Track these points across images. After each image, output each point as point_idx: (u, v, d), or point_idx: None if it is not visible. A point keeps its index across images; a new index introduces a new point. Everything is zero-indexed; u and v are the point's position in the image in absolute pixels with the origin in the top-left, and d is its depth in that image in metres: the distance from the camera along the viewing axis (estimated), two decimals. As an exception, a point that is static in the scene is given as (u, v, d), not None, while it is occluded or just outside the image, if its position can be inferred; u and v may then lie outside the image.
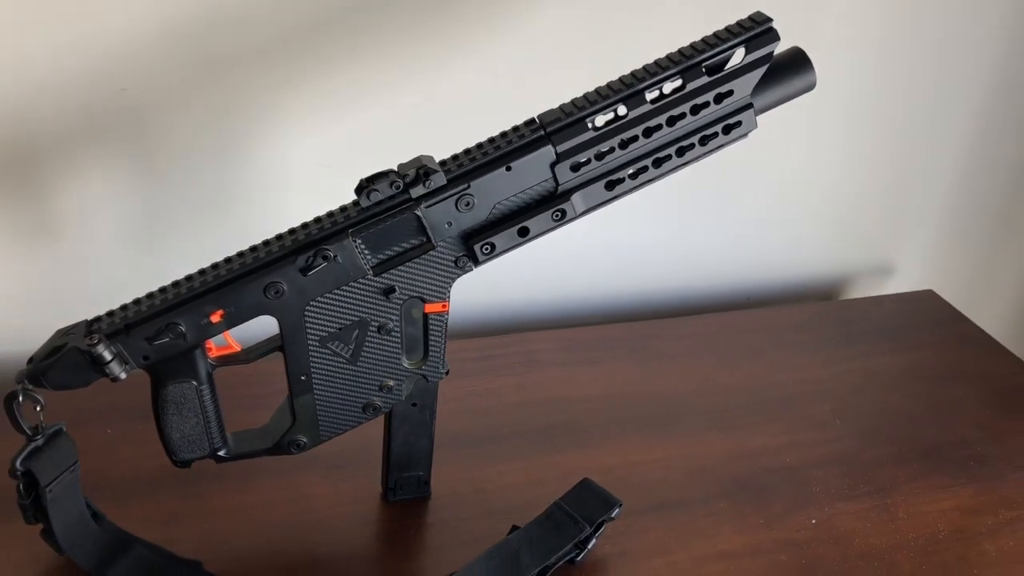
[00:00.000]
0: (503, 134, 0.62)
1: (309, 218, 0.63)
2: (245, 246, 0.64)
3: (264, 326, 0.64)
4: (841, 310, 1.12)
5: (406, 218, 0.61)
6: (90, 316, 0.61)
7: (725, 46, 0.62)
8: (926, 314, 1.11)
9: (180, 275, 0.63)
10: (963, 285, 1.27)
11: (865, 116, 1.08)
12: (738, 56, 0.63)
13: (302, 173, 0.88)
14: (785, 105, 1.00)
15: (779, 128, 1.04)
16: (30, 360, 0.60)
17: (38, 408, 0.61)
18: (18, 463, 0.61)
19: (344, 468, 0.78)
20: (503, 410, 0.87)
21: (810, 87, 0.66)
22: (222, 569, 0.68)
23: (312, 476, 0.77)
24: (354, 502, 0.75)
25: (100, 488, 0.71)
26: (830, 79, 1.01)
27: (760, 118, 0.65)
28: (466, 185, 0.61)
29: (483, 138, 0.63)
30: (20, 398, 0.60)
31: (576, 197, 0.63)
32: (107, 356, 0.59)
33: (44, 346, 0.60)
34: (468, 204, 0.62)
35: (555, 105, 0.63)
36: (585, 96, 0.62)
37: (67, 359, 0.59)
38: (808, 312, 1.11)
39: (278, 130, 0.86)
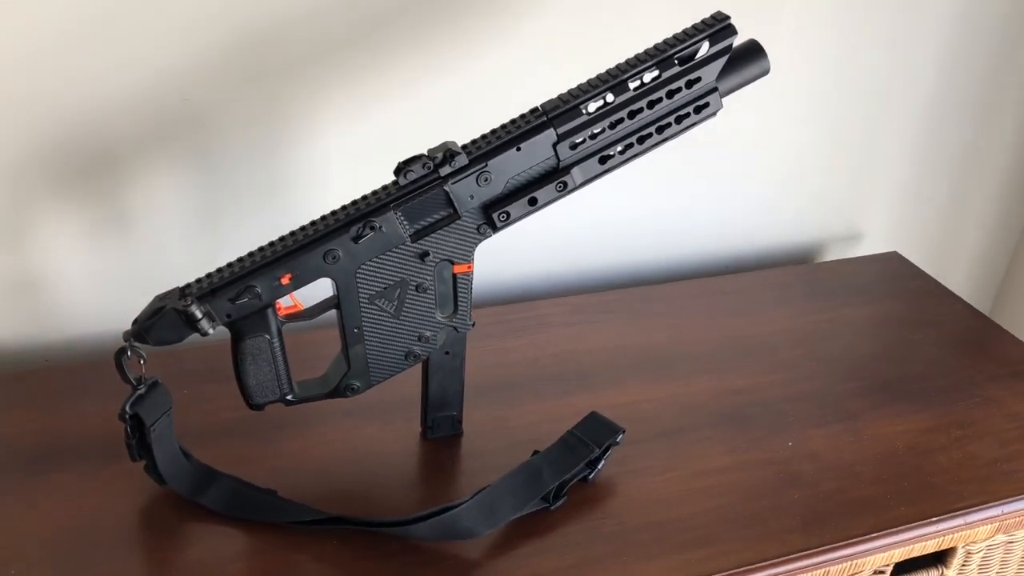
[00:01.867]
0: (513, 121, 0.75)
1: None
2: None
3: (321, 290, 0.77)
4: (813, 272, 1.26)
5: (436, 193, 0.74)
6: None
7: (692, 40, 0.75)
8: (891, 272, 1.25)
9: (234, 258, 0.75)
10: (926, 246, 1.40)
11: (830, 95, 1.21)
12: (704, 48, 0.77)
13: (340, 166, 1.02)
14: (761, 90, 1.14)
15: (756, 112, 1.18)
16: (135, 321, 0.74)
17: (142, 361, 0.74)
18: (127, 407, 0.74)
19: (388, 415, 0.90)
20: (520, 364, 1.00)
21: (765, 72, 0.79)
22: (292, 496, 0.80)
23: (361, 422, 0.90)
24: (397, 440, 0.88)
25: (181, 436, 0.82)
26: (797, 64, 1.16)
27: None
28: (484, 164, 0.74)
29: (495, 125, 0.76)
30: (128, 353, 0.73)
31: (575, 171, 0.77)
32: (198, 315, 0.72)
33: (146, 309, 0.74)
34: (487, 180, 0.75)
35: (555, 95, 0.76)
36: (579, 86, 0.76)
37: (166, 318, 0.72)
38: (782, 275, 1.24)
39: (318, 129, 0.99)
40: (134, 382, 0.75)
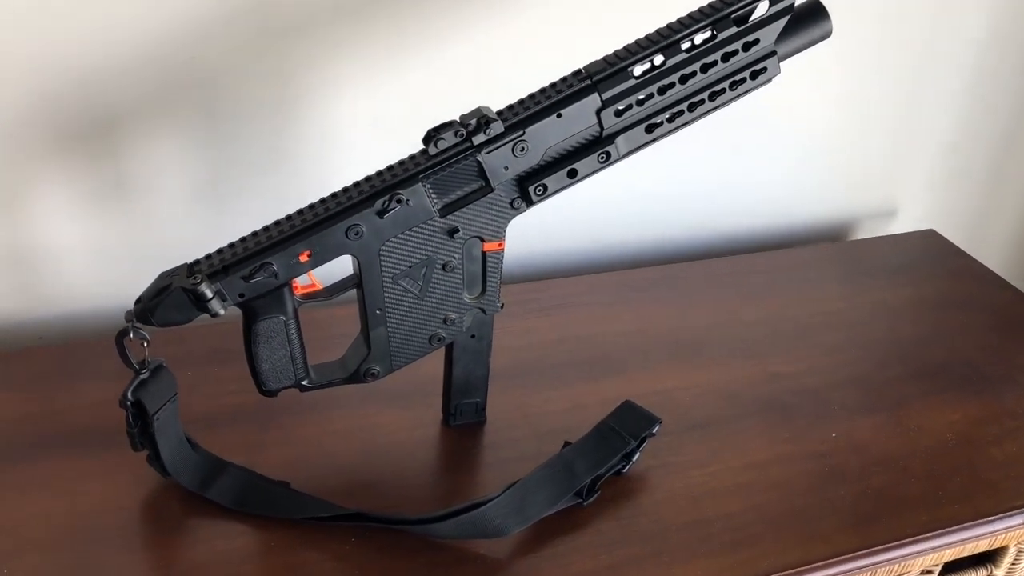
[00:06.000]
0: (553, 84, 0.69)
1: (362, 174, 0.69)
2: (303, 202, 0.69)
3: (341, 268, 0.71)
4: (849, 250, 1.20)
5: (468, 164, 0.68)
6: (165, 269, 0.67)
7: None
8: (928, 251, 1.19)
9: (243, 230, 0.68)
10: (963, 224, 1.34)
11: (866, 62, 1.15)
12: (762, 8, 0.70)
13: (355, 132, 0.95)
14: (796, 60, 1.07)
15: (786, 79, 1.11)
16: (138, 300, 0.67)
17: (145, 344, 0.68)
18: (129, 393, 0.68)
19: (407, 399, 0.85)
20: (543, 346, 0.94)
21: (827, 35, 0.72)
22: (305, 488, 0.75)
23: (378, 407, 0.84)
24: (417, 427, 0.83)
25: (187, 422, 0.77)
26: (837, 32, 1.08)
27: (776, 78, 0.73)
28: (521, 132, 0.68)
29: (531, 89, 0.70)
30: (131, 335, 0.67)
31: (620, 140, 0.70)
32: (208, 294, 0.66)
33: (150, 287, 0.67)
34: (523, 149, 0.68)
35: (599, 56, 0.69)
36: (626, 47, 0.69)
37: (173, 297, 0.66)
38: (819, 253, 1.18)
39: (332, 92, 0.92)
40: (136, 366, 0.69)
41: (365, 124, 0.94)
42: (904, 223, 1.30)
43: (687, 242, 1.20)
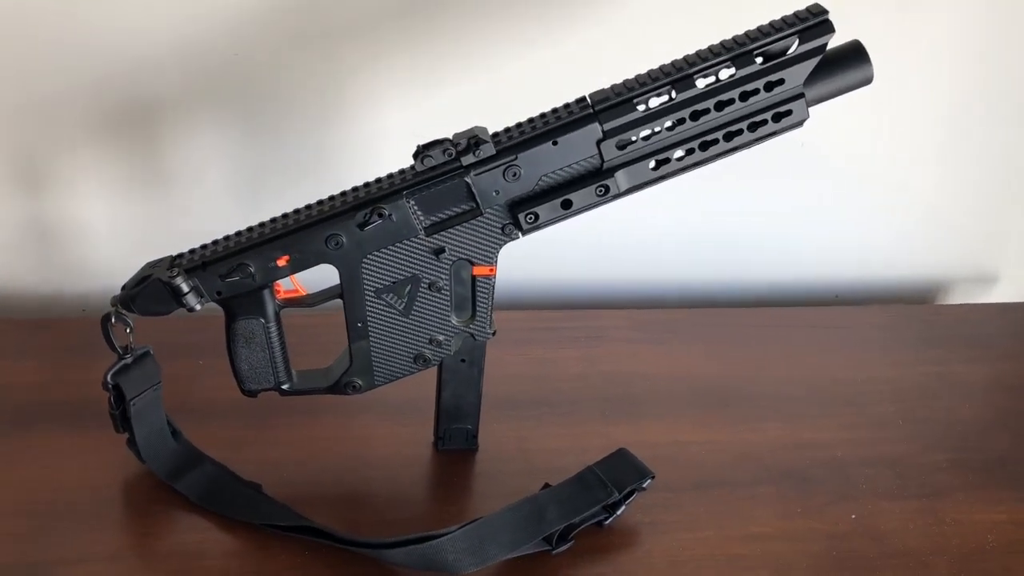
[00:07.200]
0: (554, 110, 0.66)
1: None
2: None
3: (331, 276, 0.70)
4: (928, 314, 1.09)
5: (456, 184, 0.66)
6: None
7: (778, 36, 0.63)
8: (1021, 325, 1.07)
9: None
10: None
11: (976, 114, 1.05)
12: (793, 46, 0.64)
13: (397, 141, 0.93)
14: (891, 102, 0.99)
15: (883, 125, 1.03)
16: (123, 287, 0.69)
17: (128, 330, 0.69)
18: (108, 376, 0.70)
19: (403, 415, 0.83)
20: (562, 379, 0.91)
21: (866, 81, 0.66)
22: (278, 493, 0.74)
23: (372, 419, 0.83)
24: (408, 446, 0.81)
25: (183, 410, 0.78)
26: (938, 75, 1.00)
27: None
28: (514, 157, 0.65)
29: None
30: (113, 320, 0.69)
31: (620, 174, 0.66)
32: (184, 288, 0.66)
33: (134, 276, 0.69)
34: (515, 175, 0.65)
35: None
36: (636, 78, 0.65)
37: (151, 288, 0.67)
38: (893, 313, 1.09)
39: (376, 99, 0.92)
40: (120, 351, 0.70)
41: (403, 135, 0.93)
42: (1005, 292, 1.18)
43: (750, 285, 1.13)
